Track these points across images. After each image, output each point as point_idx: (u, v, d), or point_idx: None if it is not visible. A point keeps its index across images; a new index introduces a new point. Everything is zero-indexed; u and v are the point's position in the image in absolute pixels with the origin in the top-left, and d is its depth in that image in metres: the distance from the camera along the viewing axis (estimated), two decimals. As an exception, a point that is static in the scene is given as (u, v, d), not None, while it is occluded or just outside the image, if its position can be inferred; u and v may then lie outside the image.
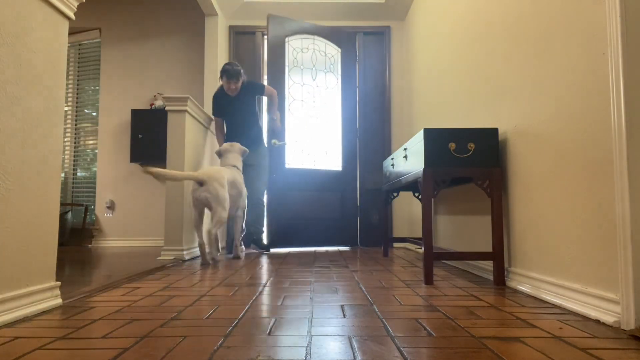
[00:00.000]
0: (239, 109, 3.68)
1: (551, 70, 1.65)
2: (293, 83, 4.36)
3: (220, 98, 3.69)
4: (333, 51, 4.56)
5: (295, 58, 4.40)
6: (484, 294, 1.75)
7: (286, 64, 4.35)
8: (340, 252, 3.77)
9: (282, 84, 4.28)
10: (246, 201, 3.39)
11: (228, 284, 2.01)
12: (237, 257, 3.18)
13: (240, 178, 3.20)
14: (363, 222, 4.43)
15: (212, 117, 3.76)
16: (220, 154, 3.32)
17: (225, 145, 3.30)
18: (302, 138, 4.31)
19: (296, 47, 4.45)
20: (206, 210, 3.32)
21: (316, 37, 4.50)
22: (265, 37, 4.57)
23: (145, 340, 1.10)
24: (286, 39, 4.40)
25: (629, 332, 1.17)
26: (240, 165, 3.30)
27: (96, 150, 4.84)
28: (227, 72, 3.48)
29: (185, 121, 3.22)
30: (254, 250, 3.85)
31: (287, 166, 4.24)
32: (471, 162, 2.02)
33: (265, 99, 4.36)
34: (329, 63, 4.53)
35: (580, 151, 1.46)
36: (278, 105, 3.94)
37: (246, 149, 3.43)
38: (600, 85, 1.35)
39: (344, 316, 1.36)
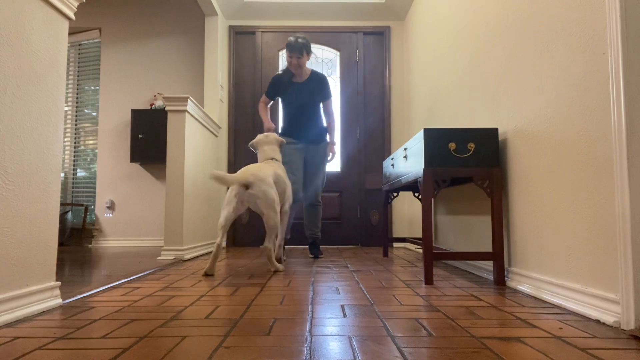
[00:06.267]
0: (303, 93, 3.23)
1: (551, 70, 1.65)
2: None
3: (279, 78, 3.28)
4: (330, 55, 4.64)
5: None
6: (484, 294, 1.75)
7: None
8: (340, 252, 3.77)
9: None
10: (291, 193, 2.90)
11: (228, 284, 2.01)
12: (277, 261, 2.67)
13: (282, 172, 2.79)
14: (363, 222, 4.43)
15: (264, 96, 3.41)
16: (254, 147, 2.95)
17: (260, 136, 2.92)
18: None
19: None
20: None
21: (312, 45, 4.60)
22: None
23: (145, 340, 1.10)
24: (279, 52, 4.56)
25: (629, 332, 1.17)
26: (278, 156, 2.91)
27: (96, 150, 4.84)
28: (289, 45, 3.13)
29: (185, 121, 3.22)
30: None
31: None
32: (471, 162, 2.02)
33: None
34: (326, 68, 4.61)
35: (581, 151, 1.46)
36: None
37: (282, 139, 2.98)
38: (600, 85, 1.35)
39: (344, 316, 1.36)
